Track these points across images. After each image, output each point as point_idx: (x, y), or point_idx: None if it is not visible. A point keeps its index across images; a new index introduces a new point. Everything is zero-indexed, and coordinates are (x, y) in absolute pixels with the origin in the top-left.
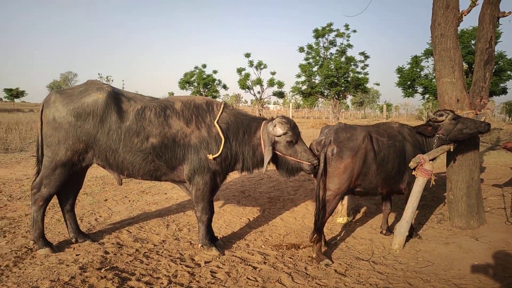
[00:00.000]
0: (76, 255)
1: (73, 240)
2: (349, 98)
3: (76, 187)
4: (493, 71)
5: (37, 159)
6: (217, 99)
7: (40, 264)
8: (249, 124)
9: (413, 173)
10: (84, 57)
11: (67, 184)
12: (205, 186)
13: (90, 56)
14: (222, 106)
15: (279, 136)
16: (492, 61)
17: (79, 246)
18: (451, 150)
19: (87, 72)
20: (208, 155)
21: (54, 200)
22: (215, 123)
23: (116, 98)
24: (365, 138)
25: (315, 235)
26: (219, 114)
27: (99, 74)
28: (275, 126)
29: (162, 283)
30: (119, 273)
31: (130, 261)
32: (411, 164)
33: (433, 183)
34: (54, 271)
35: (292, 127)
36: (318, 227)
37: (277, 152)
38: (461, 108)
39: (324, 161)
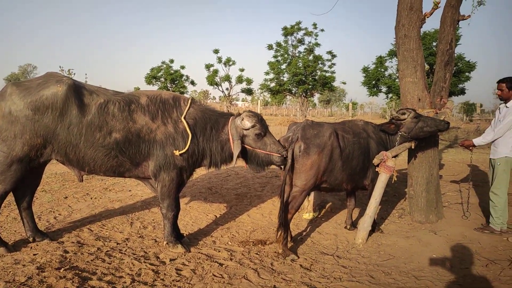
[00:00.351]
0: (34, 254)
1: (31, 239)
2: (316, 96)
3: (33, 184)
4: (453, 72)
5: None
6: (185, 95)
7: None
8: (217, 120)
9: (376, 170)
10: (45, 49)
11: (24, 180)
12: (171, 182)
13: (51, 49)
14: (189, 101)
15: (248, 129)
16: (452, 62)
17: (37, 245)
18: (412, 147)
19: (47, 65)
20: (174, 151)
21: (10, 197)
22: (182, 118)
23: (77, 91)
24: (332, 135)
25: (281, 232)
26: (186, 110)
27: (60, 67)
28: (242, 120)
29: (125, 282)
30: (80, 272)
31: (91, 260)
32: (375, 161)
33: (395, 179)
34: (10, 271)
35: (260, 120)
36: (283, 223)
37: (246, 146)
38: (422, 107)
39: (291, 157)
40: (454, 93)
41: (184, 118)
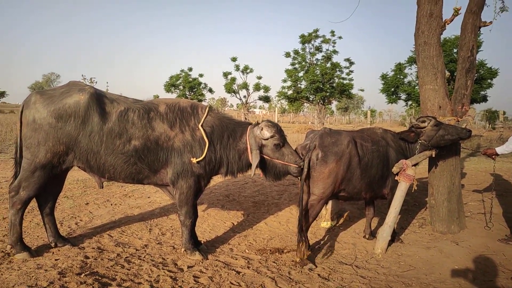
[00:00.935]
0: (55, 259)
1: (52, 244)
2: (334, 104)
3: (56, 190)
4: (474, 79)
5: (15, 161)
6: (203, 103)
7: (18, 269)
8: (234, 129)
9: (396, 178)
10: (68, 58)
11: (46, 187)
12: (188, 190)
13: (73, 58)
14: (207, 109)
15: (266, 139)
16: (474, 69)
17: (59, 250)
18: (433, 155)
19: (70, 73)
20: (192, 159)
21: (33, 203)
22: (200, 126)
23: (98, 99)
24: (350, 143)
25: (302, 243)
26: (203, 117)
27: (82, 75)
28: (262, 130)
29: None
30: (100, 278)
31: (111, 266)
32: (394, 169)
33: (415, 188)
34: (32, 276)
35: (279, 131)
36: (302, 232)
37: (264, 156)
38: (443, 114)
39: (308, 165)
40: (476, 100)
41: (202, 125)
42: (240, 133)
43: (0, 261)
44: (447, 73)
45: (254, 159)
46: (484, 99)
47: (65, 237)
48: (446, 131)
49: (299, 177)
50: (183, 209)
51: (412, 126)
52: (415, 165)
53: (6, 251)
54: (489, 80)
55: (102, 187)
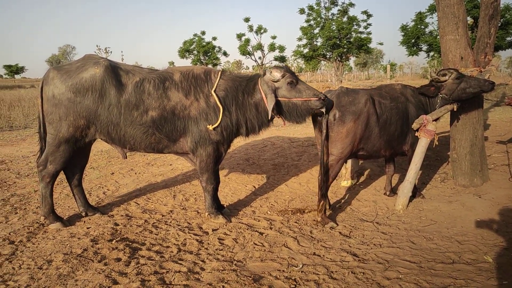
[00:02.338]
0: (87, 228)
1: (83, 213)
2: (352, 60)
3: (82, 162)
4: (499, 25)
5: (39, 136)
6: (218, 67)
7: (53, 238)
8: (247, 84)
9: (416, 134)
10: (82, 30)
11: (73, 159)
12: (208, 157)
13: (88, 28)
14: (219, 74)
15: (278, 80)
16: (498, 16)
17: (89, 219)
18: (455, 109)
19: (85, 44)
20: (208, 126)
21: (62, 175)
22: (212, 92)
23: (113, 71)
24: (367, 102)
25: (322, 202)
26: (216, 83)
27: (97, 46)
28: (271, 73)
29: (172, 252)
30: (130, 243)
31: (140, 231)
32: (414, 125)
33: (437, 143)
34: (67, 244)
35: (288, 70)
36: (324, 193)
37: (281, 99)
38: (465, 66)
39: (326, 126)
40: (501, 47)
41: (214, 91)
42: (253, 86)
43: (36, 231)
44: (471, 20)
45: (270, 102)
46: (510, 45)
47: (94, 206)
48: (468, 84)
49: (318, 135)
50: (204, 175)
51: (432, 80)
52: (436, 120)
53: (41, 222)
54: None
55: (126, 157)
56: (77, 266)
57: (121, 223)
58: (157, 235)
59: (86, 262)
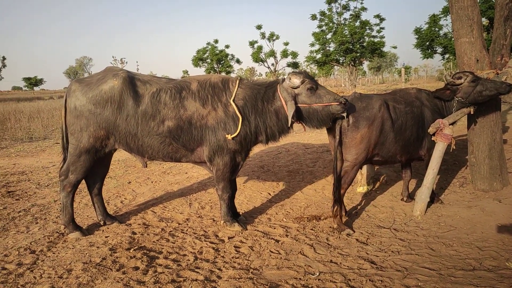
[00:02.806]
0: (105, 237)
1: (102, 222)
2: (365, 64)
3: (103, 172)
4: None
5: (62, 147)
6: (231, 74)
7: (72, 248)
8: (266, 91)
9: (432, 139)
10: (98, 41)
11: (94, 169)
12: (225, 166)
13: (103, 40)
14: (237, 82)
15: (298, 86)
16: None
17: (108, 228)
18: (471, 113)
19: (102, 55)
20: (226, 136)
21: (81, 185)
22: (231, 101)
23: (131, 83)
24: (381, 107)
25: (336, 207)
26: (234, 92)
27: (113, 57)
28: (290, 79)
29: (189, 260)
30: (147, 252)
31: (157, 240)
32: (430, 130)
33: (454, 147)
34: (86, 253)
35: (308, 75)
36: (337, 198)
37: (301, 105)
38: (481, 68)
39: (340, 132)
40: None
41: (233, 100)
42: (272, 93)
43: (56, 241)
44: (486, 21)
45: (290, 109)
46: None
47: (112, 215)
48: (484, 87)
49: (332, 141)
50: (220, 184)
51: (447, 84)
52: (452, 123)
53: (60, 231)
54: None
55: (146, 166)
56: (96, 275)
57: (139, 232)
58: (173, 243)
59: (105, 271)
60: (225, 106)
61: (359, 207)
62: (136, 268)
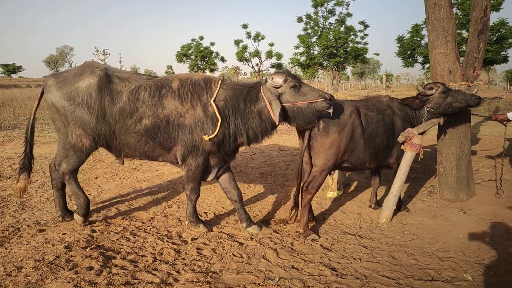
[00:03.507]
0: (63, 234)
1: (60, 218)
2: (349, 69)
3: None
4: (495, 39)
5: (25, 139)
6: (216, 72)
7: (27, 244)
8: (248, 92)
9: (402, 147)
10: (81, 31)
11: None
12: (197, 168)
13: (86, 30)
14: (219, 82)
15: (281, 86)
16: (487, 31)
17: (67, 225)
18: (441, 123)
19: (84, 45)
20: (203, 136)
21: (46, 178)
22: (212, 101)
23: (109, 80)
24: (352, 113)
25: (294, 211)
26: (216, 92)
27: (95, 47)
28: (272, 79)
29: (147, 261)
30: (104, 251)
31: (117, 239)
32: (400, 139)
33: (422, 157)
34: (40, 250)
35: (290, 73)
36: (297, 202)
37: (285, 104)
38: (453, 80)
39: (309, 136)
40: (496, 61)
41: (214, 101)
42: (255, 94)
43: (10, 236)
44: (466, 34)
45: (275, 109)
46: (505, 59)
47: (73, 212)
48: (455, 98)
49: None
50: (189, 184)
51: (419, 93)
52: (422, 133)
53: (16, 226)
54: (510, 40)
55: (123, 163)
56: (47, 274)
57: (99, 230)
58: (134, 243)
59: (56, 270)
60: (204, 105)
61: (327, 212)
62: (90, 268)
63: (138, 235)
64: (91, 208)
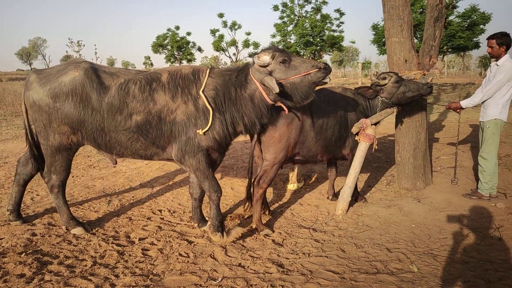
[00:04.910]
0: (0, 238)
1: (8, 213)
2: (328, 57)
3: (42, 165)
4: (467, 25)
5: (28, 145)
6: (193, 63)
7: None
8: (238, 76)
9: (356, 138)
10: (54, 22)
11: (39, 160)
12: (199, 164)
13: (60, 21)
14: (207, 72)
15: (269, 63)
16: (443, 18)
17: (7, 228)
18: (395, 113)
19: (57, 37)
20: (198, 131)
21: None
22: (200, 92)
23: (95, 74)
24: None
25: (248, 204)
26: (204, 82)
27: (69, 39)
28: (259, 58)
29: (86, 265)
30: (41, 257)
31: (57, 242)
32: (354, 129)
33: (376, 147)
34: None
35: (277, 48)
36: (249, 196)
37: (279, 82)
38: (409, 68)
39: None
40: (468, 47)
41: (203, 91)
42: (245, 77)
43: None
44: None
45: (270, 82)
46: (477, 45)
47: (20, 214)
48: (407, 88)
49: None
50: (205, 184)
51: (372, 84)
52: (376, 124)
53: None
54: (481, 26)
55: (116, 163)
56: None
57: (40, 233)
58: (75, 246)
59: None
60: (195, 99)
61: (285, 205)
62: (22, 276)
63: (82, 237)
64: (37, 208)
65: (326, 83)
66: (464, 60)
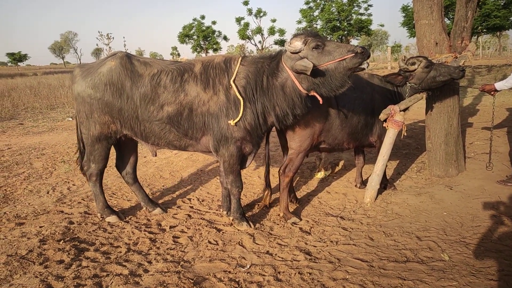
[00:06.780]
0: (40, 227)
1: (147, 210)
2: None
3: (131, 159)
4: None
5: (77, 138)
6: (219, 52)
7: (3, 238)
8: (270, 64)
9: (384, 125)
10: (83, 16)
11: (123, 157)
12: (230, 158)
13: (89, 15)
14: (239, 60)
15: (301, 49)
16: None
17: (46, 217)
18: (424, 99)
19: (87, 31)
20: (229, 122)
21: (32, 170)
22: (232, 82)
23: (130, 62)
24: None
25: (267, 192)
26: (236, 71)
27: (99, 32)
28: (290, 44)
29: (120, 252)
30: (78, 244)
31: (93, 230)
32: (381, 116)
33: (405, 134)
34: (15, 244)
35: (310, 33)
36: (268, 183)
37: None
38: (440, 51)
39: None
40: (504, 27)
41: (234, 81)
42: (276, 65)
43: None
44: None
45: (302, 62)
46: None
47: (154, 202)
48: (438, 72)
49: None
50: (229, 177)
51: (401, 70)
52: (404, 110)
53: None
54: None
55: (155, 155)
56: (17, 269)
57: (76, 221)
58: (110, 233)
59: (27, 265)
60: (226, 89)
61: (313, 193)
62: (61, 262)
63: (115, 225)
64: (73, 198)
65: (363, 69)
66: (500, 40)
